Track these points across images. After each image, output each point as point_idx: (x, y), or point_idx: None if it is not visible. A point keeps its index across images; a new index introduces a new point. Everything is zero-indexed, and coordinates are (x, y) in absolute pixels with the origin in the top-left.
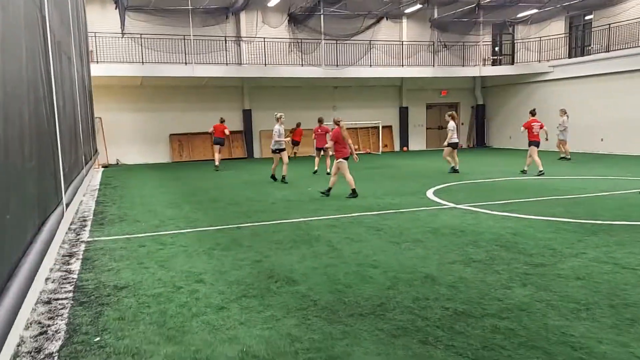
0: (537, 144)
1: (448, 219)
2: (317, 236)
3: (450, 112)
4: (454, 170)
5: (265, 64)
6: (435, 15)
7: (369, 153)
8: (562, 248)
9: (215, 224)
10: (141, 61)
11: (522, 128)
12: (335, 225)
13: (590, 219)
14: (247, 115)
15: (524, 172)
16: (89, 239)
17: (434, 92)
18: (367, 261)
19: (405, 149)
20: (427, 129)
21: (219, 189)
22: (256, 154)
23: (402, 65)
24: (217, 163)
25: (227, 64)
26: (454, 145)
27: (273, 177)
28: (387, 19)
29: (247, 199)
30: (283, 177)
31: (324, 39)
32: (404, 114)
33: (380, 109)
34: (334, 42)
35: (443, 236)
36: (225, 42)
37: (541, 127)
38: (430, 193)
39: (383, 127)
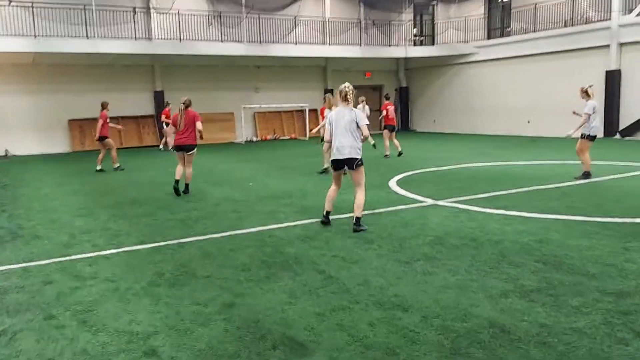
0: (392, 128)
1: (442, 222)
2: (294, 255)
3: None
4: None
5: (180, 40)
6: None
7: (295, 139)
8: (619, 262)
9: (148, 239)
10: (33, 34)
11: (383, 111)
12: (309, 236)
13: (607, 217)
14: (159, 98)
15: (387, 155)
16: None
17: (359, 74)
18: (387, 298)
19: None
20: None
21: (137, 186)
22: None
23: (329, 44)
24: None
25: (135, 38)
26: None
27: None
28: None
29: (180, 199)
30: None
31: (246, 13)
32: None
33: (305, 91)
34: (257, 16)
35: (456, 249)
36: (134, 14)
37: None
38: (394, 185)
39: (309, 110)
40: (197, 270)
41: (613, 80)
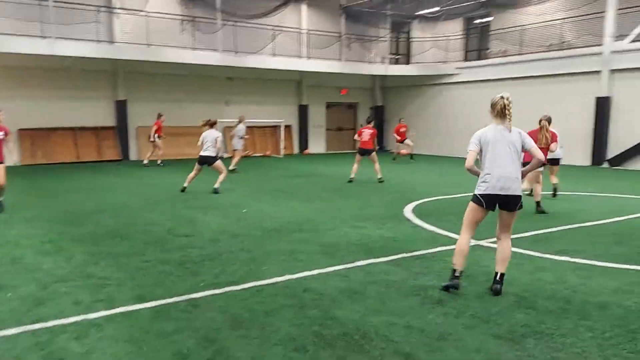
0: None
1: (506, 272)
2: (354, 324)
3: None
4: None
5: (148, 45)
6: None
7: (269, 156)
8: None
9: (147, 293)
10: None
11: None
12: (354, 290)
13: None
14: (121, 108)
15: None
16: None
17: (334, 91)
18: None
19: (306, 151)
20: (326, 129)
21: (110, 211)
22: (132, 156)
23: (309, 58)
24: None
25: (98, 41)
26: None
27: None
28: (294, 1)
29: (167, 231)
30: None
31: (223, 20)
32: (303, 112)
33: (279, 106)
34: (233, 24)
35: (559, 317)
36: (98, 13)
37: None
38: (412, 217)
39: (284, 126)
40: (232, 349)
41: (603, 107)
